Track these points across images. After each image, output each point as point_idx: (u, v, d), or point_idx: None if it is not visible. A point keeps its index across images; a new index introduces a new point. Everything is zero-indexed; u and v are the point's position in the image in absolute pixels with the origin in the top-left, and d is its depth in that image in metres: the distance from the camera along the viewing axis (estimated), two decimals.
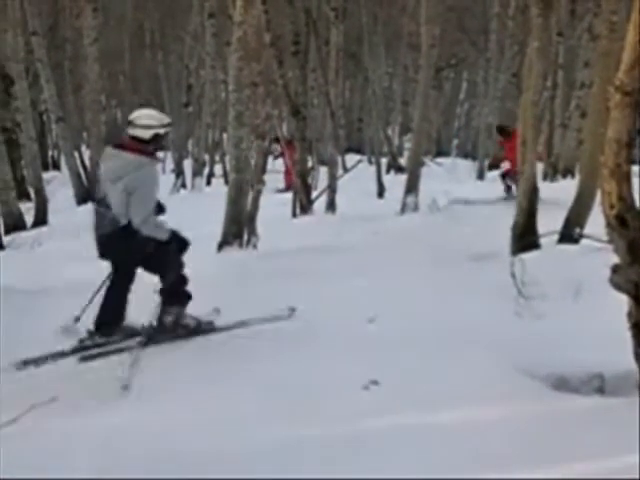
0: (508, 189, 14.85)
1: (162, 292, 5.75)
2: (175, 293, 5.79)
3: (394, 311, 5.90)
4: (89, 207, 17.66)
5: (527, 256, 6.80)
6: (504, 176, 15.23)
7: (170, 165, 28.08)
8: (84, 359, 5.43)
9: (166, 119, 5.78)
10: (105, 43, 22.33)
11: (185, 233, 11.07)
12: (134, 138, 5.55)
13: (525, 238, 7.77)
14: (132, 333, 5.61)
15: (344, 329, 5.60)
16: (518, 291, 5.79)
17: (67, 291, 7.20)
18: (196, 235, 10.74)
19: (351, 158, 25.60)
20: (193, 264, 8.86)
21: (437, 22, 13.55)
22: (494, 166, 22.64)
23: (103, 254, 5.76)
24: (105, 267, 5.90)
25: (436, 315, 5.69)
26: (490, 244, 8.55)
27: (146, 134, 5.54)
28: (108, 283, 5.82)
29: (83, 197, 18.22)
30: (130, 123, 5.62)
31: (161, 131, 5.62)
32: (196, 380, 4.85)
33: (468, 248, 8.56)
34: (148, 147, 5.55)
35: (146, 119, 5.61)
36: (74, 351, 5.48)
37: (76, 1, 21.27)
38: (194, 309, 5.94)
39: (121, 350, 5.45)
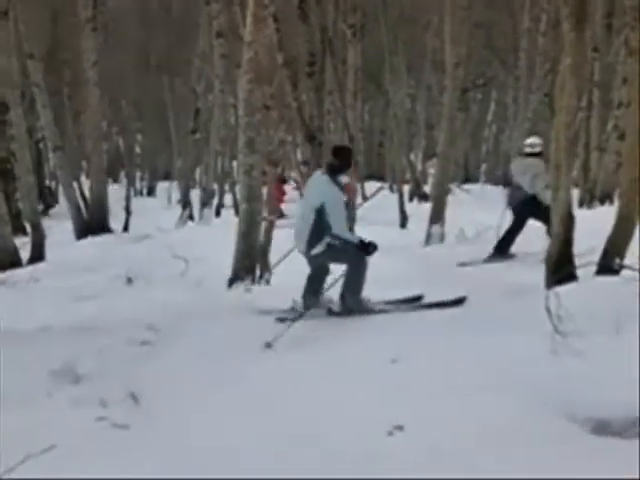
0: None
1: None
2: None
3: (419, 349, 5.89)
4: (89, 242, 17.83)
5: (563, 289, 6.76)
6: None
7: (176, 195, 28.27)
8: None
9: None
10: (106, 66, 22.61)
11: (194, 267, 11.20)
12: (531, 153, 11.01)
13: (560, 270, 7.74)
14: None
15: (366, 369, 5.60)
16: (554, 327, 5.76)
17: (65, 332, 7.25)
18: (205, 270, 10.90)
19: (371, 186, 25.66)
20: (203, 301, 8.98)
21: (463, 40, 13.66)
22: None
23: (513, 210, 11.05)
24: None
25: (466, 353, 5.67)
26: (524, 276, 8.53)
27: (536, 149, 10.99)
28: (510, 225, 11.07)
29: (83, 231, 18.34)
30: (528, 145, 11.16)
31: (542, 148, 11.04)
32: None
33: (500, 281, 8.55)
34: (539, 156, 10.96)
35: (538, 142, 11.06)
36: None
37: (75, 21, 21.57)
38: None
39: None
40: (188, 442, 4.68)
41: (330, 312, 7.65)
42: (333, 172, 7.51)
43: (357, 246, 7.39)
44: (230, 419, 4.98)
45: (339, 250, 7.46)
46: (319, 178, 7.63)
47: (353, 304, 7.56)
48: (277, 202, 17.39)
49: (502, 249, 10.88)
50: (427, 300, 7.84)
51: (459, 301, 7.62)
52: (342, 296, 7.62)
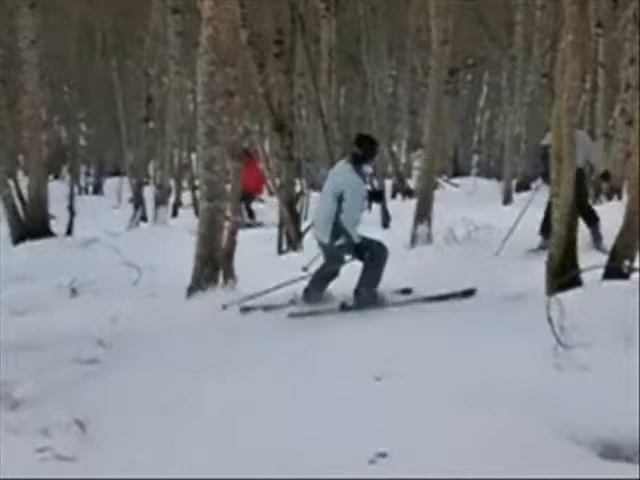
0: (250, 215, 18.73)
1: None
2: None
3: (406, 365, 5.90)
4: (27, 246, 17.62)
5: (566, 295, 6.80)
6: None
7: (127, 193, 28.13)
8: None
9: None
10: (47, 46, 22.43)
11: (147, 276, 11.17)
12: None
13: (563, 274, 7.78)
14: None
15: (346, 388, 5.59)
16: (556, 338, 5.79)
17: (0, 350, 7.19)
18: (160, 278, 10.85)
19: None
20: (158, 313, 8.94)
21: (450, 14, 13.69)
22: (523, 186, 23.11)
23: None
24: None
25: (457, 369, 5.68)
26: (521, 281, 8.57)
27: None
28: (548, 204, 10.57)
29: (20, 235, 18.16)
30: None
31: None
32: None
33: (494, 287, 8.58)
34: None
35: None
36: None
37: None
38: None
39: None
40: (141, 476, 4.65)
41: (343, 307, 8.36)
42: (356, 162, 8.50)
43: (353, 244, 8.34)
44: (185, 449, 4.95)
45: (361, 243, 8.35)
46: (342, 167, 8.65)
47: (368, 298, 8.31)
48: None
49: (548, 232, 10.93)
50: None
51: (469, 292, 8.44)
52: (357, 290, 8.36)
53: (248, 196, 18.47)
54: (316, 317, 8.16)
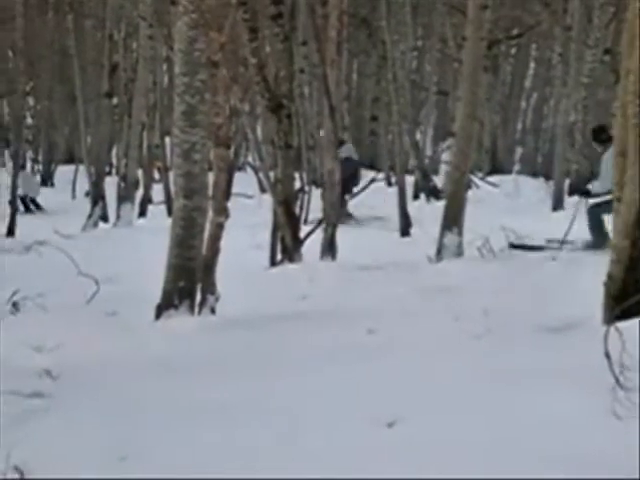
0: None
1: None
2: None
3: (426, 411, 5.88)
4: None
5: (629, 325, 6.79)
6: None
7: (84, 185, 28.13)
8: None
9: None
10: None
11: (106, 289, 11.19)
12: None
13: (626, 297, 7.77)
14: None
15: (350, 437, 5.57)
16: (616, 379, 5.78)
17: None
18: (123, 293, 10.84)
19: (361, 175, 25.69)
20: (119, 337, 8.94)
21: None
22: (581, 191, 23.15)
23: None
24: None
25: (490, 417, 5.66)
26: (572, 307, 8.56)
27: None
28: None
29: None
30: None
31: None
32: None
33: (539, 313, 8.57)
34: None
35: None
36: None
37: None
38: None
39: None
40: None
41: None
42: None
43: None
44: None
45: None
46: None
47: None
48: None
49: None
50: None
51: None
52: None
53: None
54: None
